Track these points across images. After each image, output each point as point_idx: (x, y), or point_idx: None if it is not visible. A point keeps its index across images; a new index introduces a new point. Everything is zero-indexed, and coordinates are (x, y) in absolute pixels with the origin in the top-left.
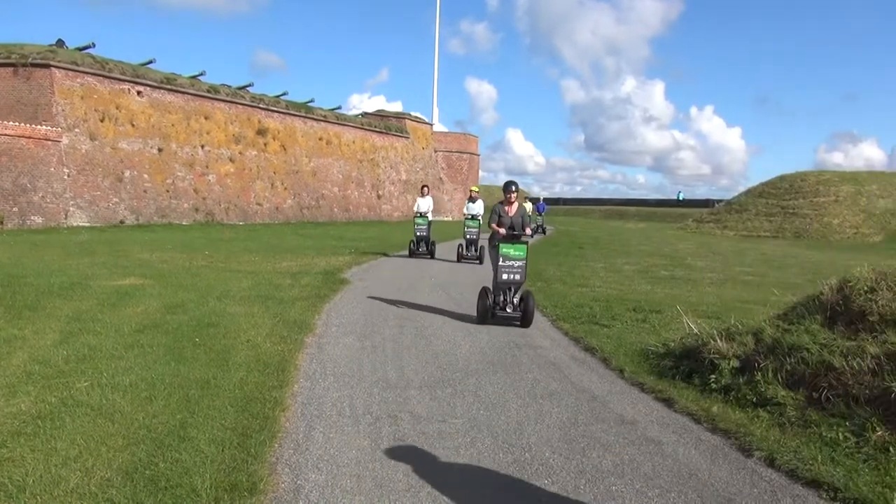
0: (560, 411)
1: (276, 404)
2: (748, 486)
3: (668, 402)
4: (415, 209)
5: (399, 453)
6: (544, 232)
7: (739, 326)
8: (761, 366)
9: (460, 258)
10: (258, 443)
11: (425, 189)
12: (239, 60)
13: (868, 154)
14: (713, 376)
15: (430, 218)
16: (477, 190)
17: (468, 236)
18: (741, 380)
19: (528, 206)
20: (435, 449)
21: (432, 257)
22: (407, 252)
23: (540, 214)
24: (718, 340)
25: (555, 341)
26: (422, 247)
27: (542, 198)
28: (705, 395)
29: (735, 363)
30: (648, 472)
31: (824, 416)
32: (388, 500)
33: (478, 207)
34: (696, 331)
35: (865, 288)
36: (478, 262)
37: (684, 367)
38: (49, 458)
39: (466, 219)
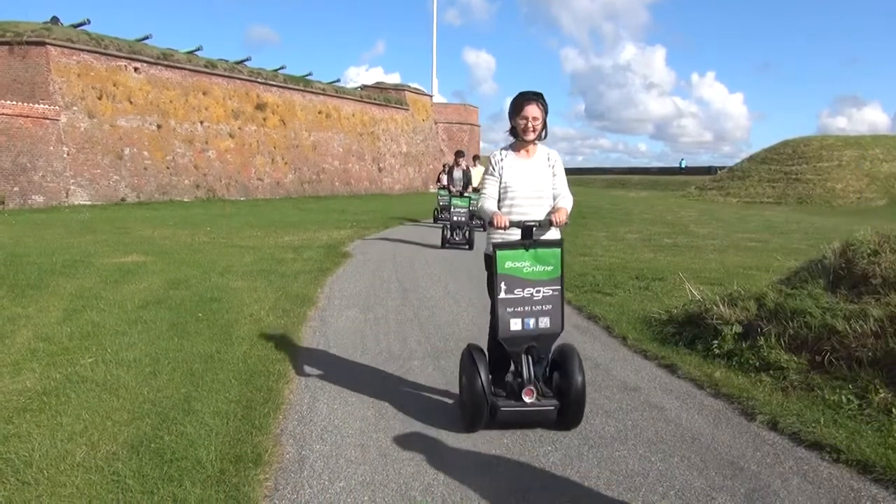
0: None
1: (279, 377)
2: (751, 449)
3: (670, 369)
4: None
5: (403, 423)
6: None
7: (742, 292)
8: (764, 331)
9: None
10: (262, 415)
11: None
12: (234, 35)
13: (872, 118)
14: (716, 342)
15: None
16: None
17: None
18: (744, 345)
19: (481, 170)
20: (439, 418)
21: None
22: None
23: None
24: (721, 306)
25: None
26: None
27: None
28: (708, 361)
29: (738, 328)
30: (651, 437)
31: (827, 380)
32: (393, 470)
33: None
34: (698, 297)
35: (868, 251)
36: None
37: (687, 333)
38: (55, 434)
39: None
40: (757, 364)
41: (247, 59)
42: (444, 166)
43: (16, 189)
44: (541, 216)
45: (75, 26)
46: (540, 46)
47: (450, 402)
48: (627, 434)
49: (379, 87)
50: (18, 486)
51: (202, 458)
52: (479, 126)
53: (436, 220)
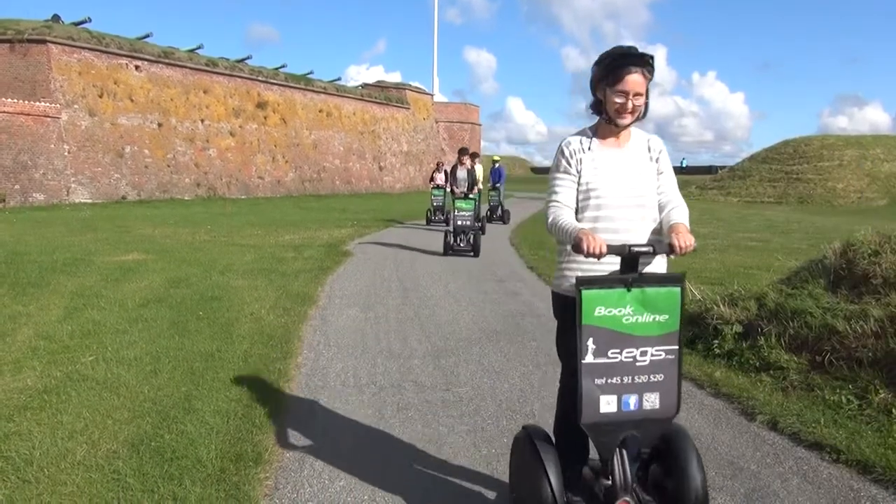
0: None
1: (280, 375)
2: (751, 449)
3: None
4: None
5: (403, 422)
6: (503, 218)
7: (742, 292)
8: (764, 330)
9: None
10: (263, 413)
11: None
12: (235, 33)
13: (873, 117)
14: (716, 342)
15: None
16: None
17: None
18: (744, 345)
19: (479, 168)
20: (439, 417)
21: None
22: None
23: (496, 187)
24: (721, 306)
25: None
26: None
27: (496, 159)
28: (708, 361)
29: (738, 328)
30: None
31: (827, 380)
32: (393, 469)
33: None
34: (699, 297)
35: (869, 251)
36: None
37: (687, 333)
38: (55, 432)
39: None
40: (757, 364)
41: (247, 58)
42: (437, 164)
43: (17, 187)
44: (642, 234)
45: (76, 24)
46: (541, 45)
47: (451, 399)
48: None
49: (380, 86)
50: (19, 485)
51: (202, 457)
52: (479, 125)
53: (429, 221)
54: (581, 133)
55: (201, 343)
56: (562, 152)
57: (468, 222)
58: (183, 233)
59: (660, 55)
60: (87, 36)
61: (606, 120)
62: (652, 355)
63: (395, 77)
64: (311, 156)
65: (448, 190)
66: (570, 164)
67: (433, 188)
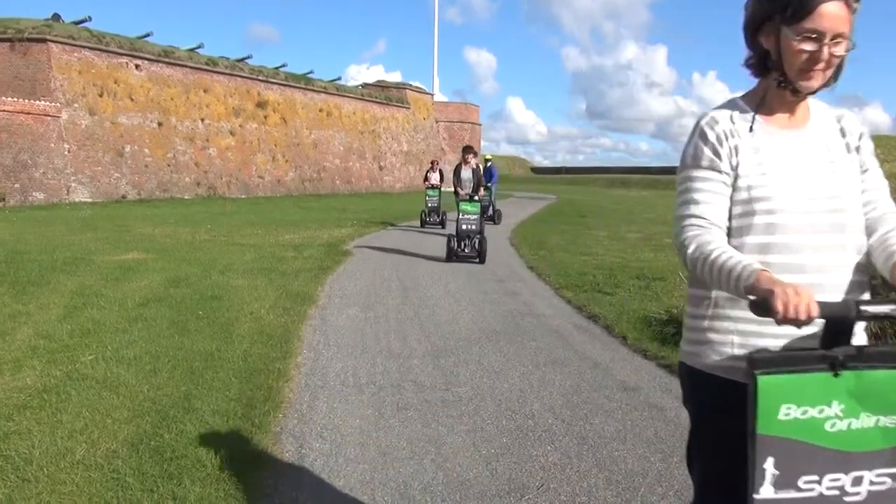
0: (563, 379)
1: (279, 375)
2: None
3: (670, 369)
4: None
5: (403, 421)
6: (494, 218)
7: None
8: None
9: None
10: (262, 413)
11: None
12: (235, 33)
13: (873, 118)
14: None
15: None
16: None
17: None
18: None
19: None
20: (438, 417)
21: None
22: None
23: (488, 186)
24: None
25: (558, 309)
26: None
27: (488, 158)
28: None
29: None
30: (651, 437)
31: None
32: (392, 468)
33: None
34: None
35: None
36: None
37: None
38: (55, 431)
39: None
40: None
41: (248, 57)
42: (431, 163)
43: (17, 186)
44: (842, 275)
45: (76, 23)
46: (541, 45)
47: (450, 399)
48: (627, 434)
49: (380, 86)
50: (18, 484)
51: (202, 457)
52: (480, 125)
53: (423, 223)
54: (730, 105)
55: (201, 343)
56: (703, 136)
57: (473, 226)
58: (183, 232)
59: (660, 55)
60: (88, 35)
61: (780, 83)
62: (871, 483)
63: (395, 77)
64: (311, 155)
65: (453, 191)
66: (718, 156)
67: (428, 188)
